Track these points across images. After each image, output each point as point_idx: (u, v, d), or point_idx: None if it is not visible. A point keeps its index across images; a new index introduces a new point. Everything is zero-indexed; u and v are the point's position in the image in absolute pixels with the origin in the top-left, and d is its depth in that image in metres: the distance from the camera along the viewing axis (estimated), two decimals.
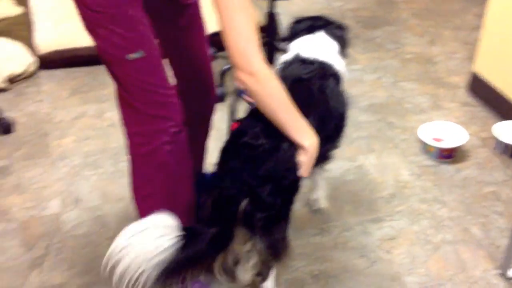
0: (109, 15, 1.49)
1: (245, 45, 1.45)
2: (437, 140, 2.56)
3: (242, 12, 1.44)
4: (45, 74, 2.98)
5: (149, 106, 1.61)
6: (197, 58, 1.88)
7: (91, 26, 1.54)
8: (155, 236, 1.43)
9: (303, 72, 1.78)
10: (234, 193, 1.54)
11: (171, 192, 1.72)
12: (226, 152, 1.65)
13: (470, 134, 2.64)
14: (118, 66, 1.57)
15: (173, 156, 1.67)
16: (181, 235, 1.46)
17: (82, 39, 2.97)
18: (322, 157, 1.79)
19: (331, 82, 1.79)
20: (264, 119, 1.58)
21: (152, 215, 1.47)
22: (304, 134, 1.58)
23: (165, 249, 1.42)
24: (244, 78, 1.47)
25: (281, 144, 1.58)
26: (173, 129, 1.65)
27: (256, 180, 1.54)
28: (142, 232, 1.44)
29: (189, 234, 1.47)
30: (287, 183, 1.59)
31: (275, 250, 1.64)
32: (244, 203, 1.54)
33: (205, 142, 2.11)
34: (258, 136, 1.59)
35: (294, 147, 1.58)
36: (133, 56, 1.54)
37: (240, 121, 1.71)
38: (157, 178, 1.70)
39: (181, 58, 1.87)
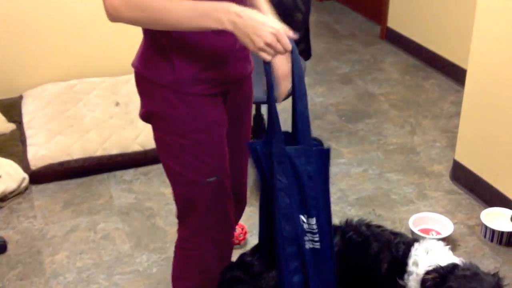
0: (200, 142, 1.44)
1: None
2: (424, 230, 2.60)
3: None
4: (37, 188, 3.02)
5: (210, 228, 1.61)
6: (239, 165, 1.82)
7: (173, 151, 1.47)
8: None
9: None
10: None
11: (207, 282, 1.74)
12: None
13: (457, 223, 2.68)
14: (188, 187, 1.54)
15: (215, 258, 1.70)
16: None
17: (74, 151, 3.10)
18: None
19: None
20: None
21: None
22: (214, 14, 1.18)
23: None
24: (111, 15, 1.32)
25: None
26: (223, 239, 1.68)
27: None
28: None
29: None
30: None
31: None
32: None
33: None
34: None
35: None
36: (210, 180, 1.51)
37: None
38: (197, 277, 1.71)
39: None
